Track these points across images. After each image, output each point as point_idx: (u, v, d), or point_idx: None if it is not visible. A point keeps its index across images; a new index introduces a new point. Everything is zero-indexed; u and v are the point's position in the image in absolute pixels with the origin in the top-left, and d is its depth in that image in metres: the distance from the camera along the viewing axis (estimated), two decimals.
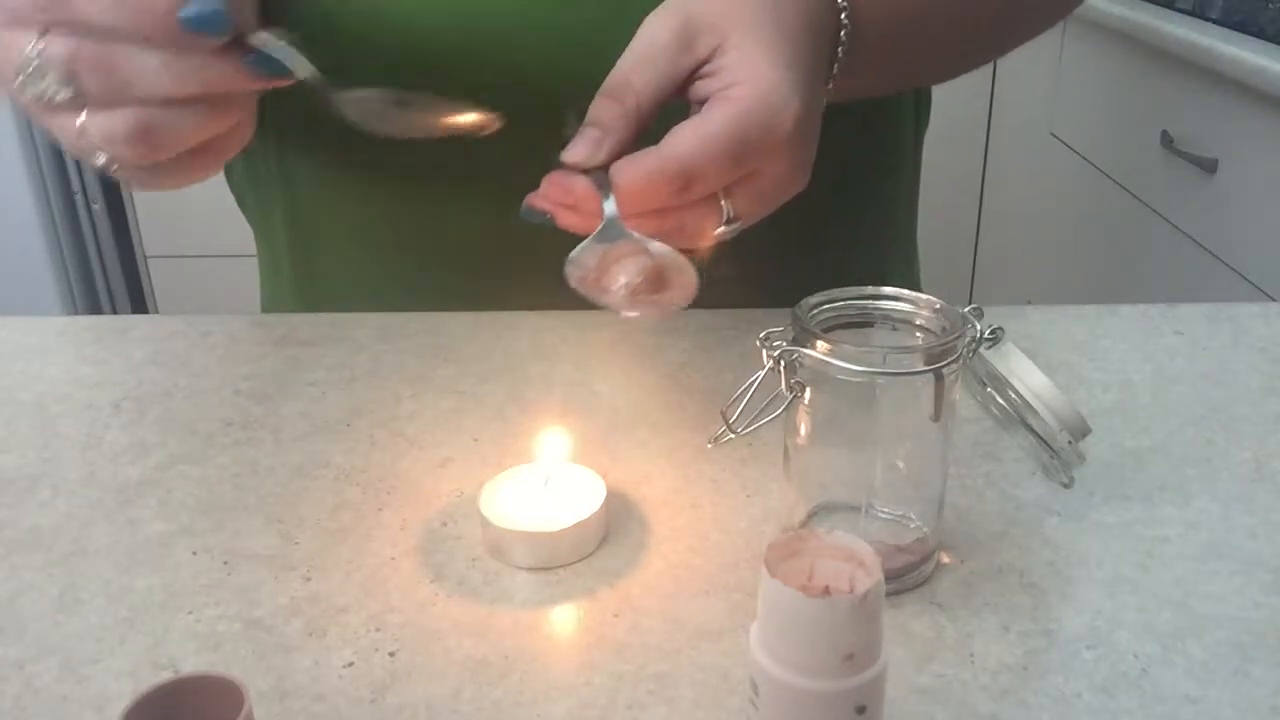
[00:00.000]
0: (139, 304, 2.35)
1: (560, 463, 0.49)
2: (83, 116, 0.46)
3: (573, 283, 0.47)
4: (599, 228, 0.47)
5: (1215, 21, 1.51)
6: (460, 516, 0.49)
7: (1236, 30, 1.45)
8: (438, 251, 0.69)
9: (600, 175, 0.47)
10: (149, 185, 0.50)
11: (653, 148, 0.47)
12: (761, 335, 0.42)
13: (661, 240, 0.49)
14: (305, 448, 0.54)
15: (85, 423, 0.57)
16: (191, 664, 0.41)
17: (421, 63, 0.62)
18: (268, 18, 0.49)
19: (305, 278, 0.76)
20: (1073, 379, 0.59)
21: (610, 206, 0.47)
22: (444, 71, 0.62)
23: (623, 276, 0.46)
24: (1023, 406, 0.47)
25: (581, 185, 0.47)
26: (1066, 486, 0.50)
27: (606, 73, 0.50)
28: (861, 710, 0.32)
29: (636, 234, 0.47)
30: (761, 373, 0.42)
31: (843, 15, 0.52)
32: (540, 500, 0.47)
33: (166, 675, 0.40)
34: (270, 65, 0.45)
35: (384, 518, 0.49)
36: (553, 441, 0.49)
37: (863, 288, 0.44)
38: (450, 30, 0.61)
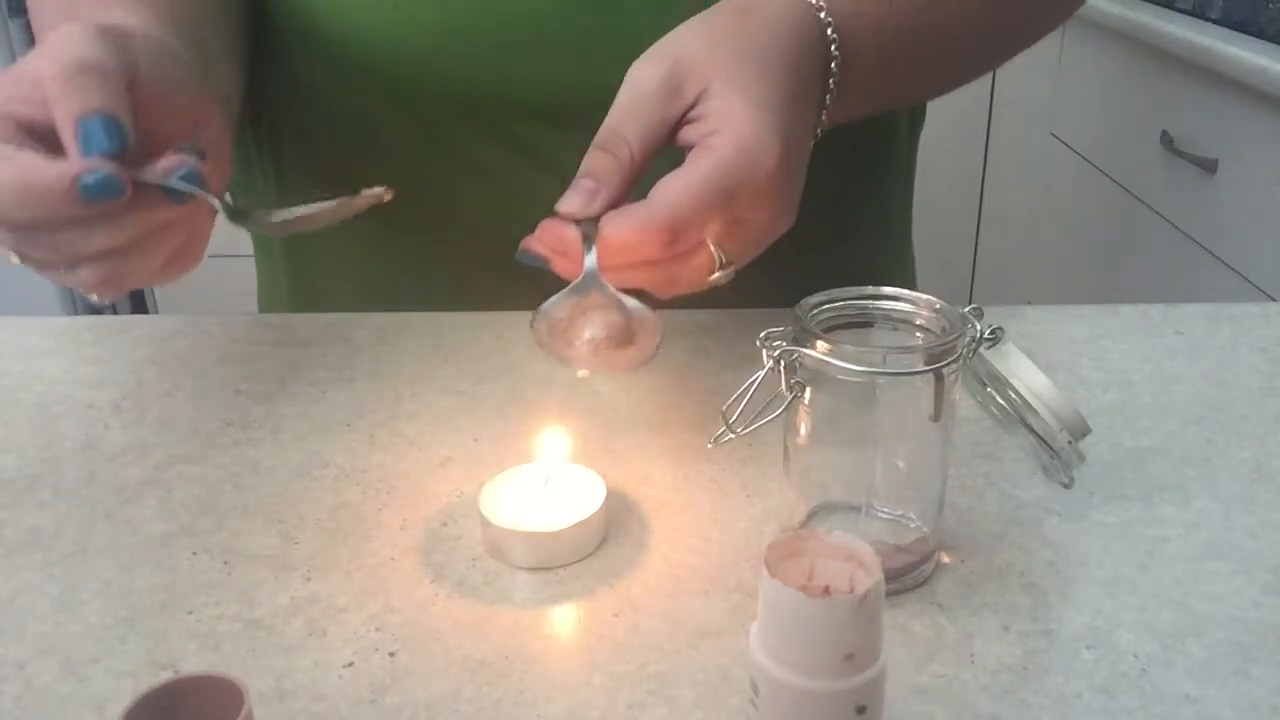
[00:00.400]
0: (139, 304, 2.35)
1: (560, 463, 0.49)
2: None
3: (536, 339, 0.47)
4: (577, 279, 0.48)
5: (1215, 21, 1.51)
6: (460, 516, 0.49)
7: (1236, 30, 1.45)
8: (435, 254, 0.69)
9: (589, 225, 0.48)
10: (149, 285, 0.51)
11: (641, 202, 0.47)
12: (761, 335, 0.42)
13: (657, 290, 0.50)
14: (305, 448, 0.54)
15: (85, 423, 0.57)
16: (191, 664, 0.41)
17: (414, 70, 0.62)
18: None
19: (303, 279, 0.76)
20: (1073, 379, 0.59)
21: (590, 260, 0.47)
22: (437, 78, 0.62)
23: (588, 330, 0.46)
24: (1023, 406, 0.47)
25: (572, 235, 0.48)
26: (1066, 486, 0.50)
27: (606, 81, 0.50)
28: (861, 710, 0.32)
29: (612, 288, 0.48)
30: (761, 373, 0.42)
31: (833, 47, 0.53)
32: (540, 500, 0.47)
33: (166, 675, 0.40)
34: (181, 195, 0.46)
35: (384, 518, 0.49)
36: (553, 441, 0.49)
37: (862, 288, 0.44)
38: (446, 38, 0.61)
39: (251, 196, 0.75)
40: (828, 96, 0.54)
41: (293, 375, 0.61)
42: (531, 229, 0.52)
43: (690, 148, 0.49)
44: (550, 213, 0.50)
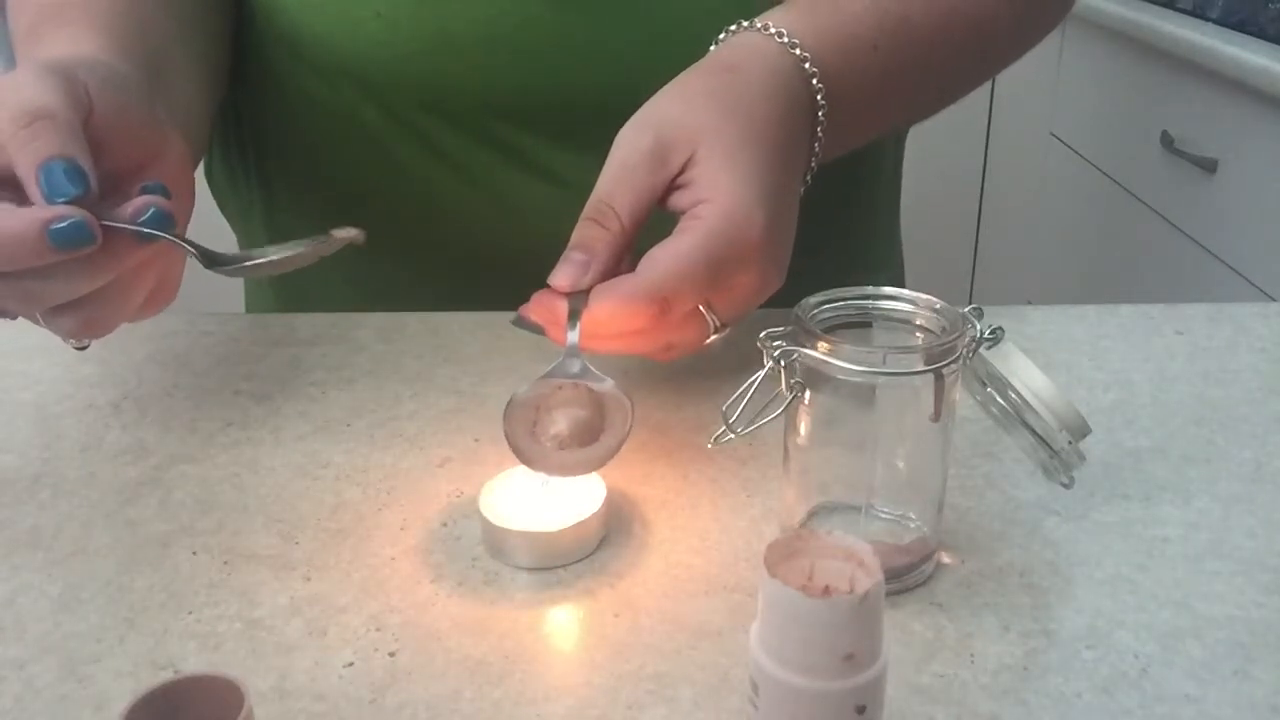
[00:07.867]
0: None
1: None
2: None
3: (505, 428, 0.47)
4: (558, 360, 0.48)
5: (1215, 21, 1.51)
6: (460, 516, 0.49)
7: (1236, 30, 1.45)
8: (425, 256, 0.69)
9: (578, 299, 0.48)
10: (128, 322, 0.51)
11: (630, 274, 0.48)
12: (761, 335, 0.42)
13: (656, 356, 0.51)
14: (305, 448, 0.54)
15: (85, 423, 0.57)
16: (191, 664, 0.41)
17: (396, 76, 0.62)
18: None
19: (288, 281, 0.76)
20: (1073, 379, 0.59)
21: (573, 336, 0.48)
22: (419, 84, 0.62)
23: (553, 427, 0.46)
24: (1023, 406, 0.47)
25: (563, 308, 0.48)
26: (1066, 486, 0.50)
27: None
28: (861, 710, 0.32)
29: (591, 366, 0.48)
30: (761, 373, 0.42)
31: (819, 96, 0.53)
32: (540, 500, 0.47)
33: (166, 675, 0.40)
34: (151, 236, 0.46)
35: (384, 518, 0.49)
36: None
37: (863, 288, 0.44)
38: (424, 44, 0.61)
39: (234, 193, 0.75)
40: (816, 144, 0.54)
41: (293, 375, 0.61)
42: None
43: (679, 213, 0.49)
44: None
